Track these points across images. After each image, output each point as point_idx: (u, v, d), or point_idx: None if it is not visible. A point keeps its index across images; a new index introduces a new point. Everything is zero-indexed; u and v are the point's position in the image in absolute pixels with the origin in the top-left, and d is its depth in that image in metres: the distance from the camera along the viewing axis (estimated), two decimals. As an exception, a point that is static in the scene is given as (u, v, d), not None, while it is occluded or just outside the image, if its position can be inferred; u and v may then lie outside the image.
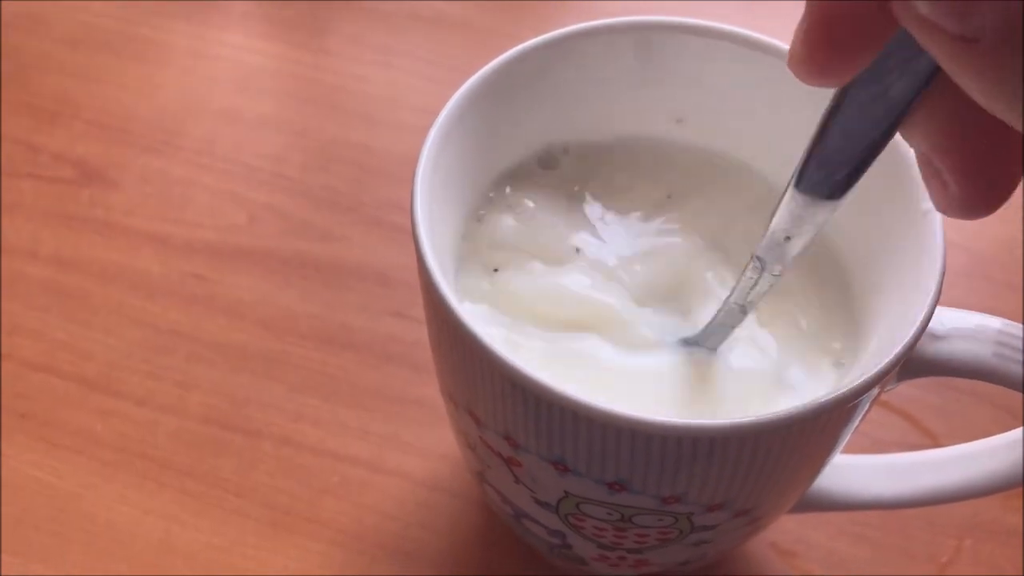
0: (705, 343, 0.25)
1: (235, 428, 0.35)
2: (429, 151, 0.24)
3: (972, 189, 0.17)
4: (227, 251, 0.40)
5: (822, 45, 0.16)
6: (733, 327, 0.25)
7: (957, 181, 0.17)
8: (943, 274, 0.22)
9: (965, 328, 0.23)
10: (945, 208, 0.17)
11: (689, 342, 0.25)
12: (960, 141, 0.17)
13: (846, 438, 0.24)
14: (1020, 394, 0.23)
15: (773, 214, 0.21)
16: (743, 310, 0.24)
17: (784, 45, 0.25)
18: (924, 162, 0.17)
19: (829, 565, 0.32)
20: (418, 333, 0.37)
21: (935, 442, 0.35)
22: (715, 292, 0.26)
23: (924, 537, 0.33)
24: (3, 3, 0.49)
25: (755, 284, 0.23)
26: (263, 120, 0.45)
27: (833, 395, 0.21)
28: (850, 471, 0.29)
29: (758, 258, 0.22)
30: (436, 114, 0.25)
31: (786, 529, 0.33)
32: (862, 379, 0.21)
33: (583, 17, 0.27)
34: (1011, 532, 0.33)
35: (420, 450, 0.35)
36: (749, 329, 0.26)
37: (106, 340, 0.37)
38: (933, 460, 0.28)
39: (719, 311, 0.24)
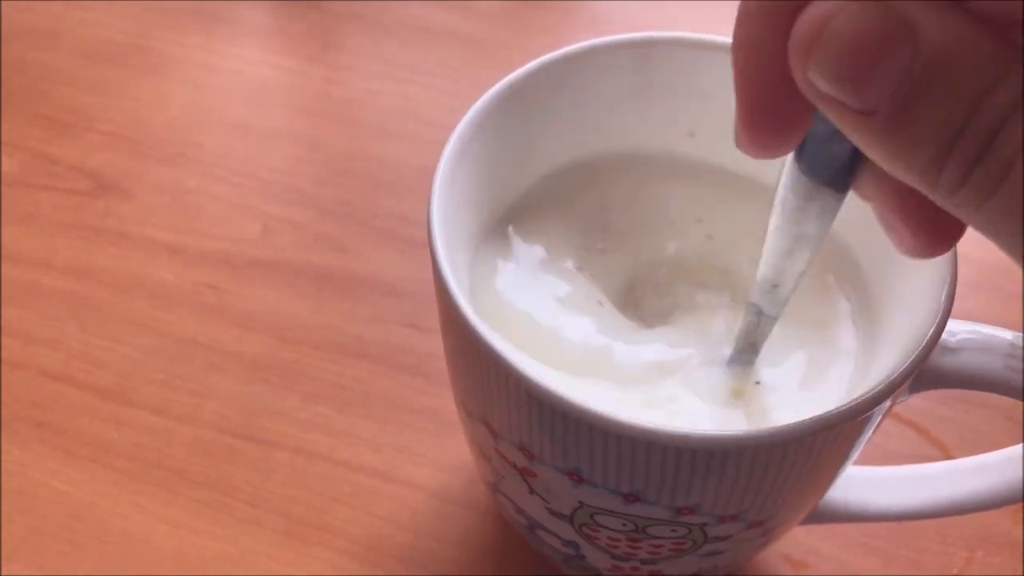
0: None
1: (249, 438, 0.35)
2: (445, 163, 0.25)
3: (923, 238, 0.18)
4: (241, 262, 0.40)
5: (754, 133, 0.18)
6: (753, 356, 0.25)
7: (909, 232, 0.18)
8: (954, 287, 0.23)
9: (976, 340, 0.23)
10: (905, 253, 0.19)
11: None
12: (902, 199, 0.18)
13: (858, 449, 0.24)
14: (1031, 406, 0.24)
15: (760, 261, 0.22)
16: (754, 349, 0.25)
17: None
18: (879, 215, 0.19)
19: (840, 576, 0.32)
20: (430, 344, 0.38)
21: (946, 454, 0.35)
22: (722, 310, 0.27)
23: (935, 549, 0.33)
24: (18, 18, 0.49)
25: (757, 326, 0.24)
26: (275, 133, 0.45)
27: (844, 407, 0.21)
28: (862, 483, 0.29)
29: (754, 304, 0.23)
30: (448, 127, 0.25)
31: (797, 540, 0.33)
32: (873, 392, 0.21)
33: (591, 30, 0.28)
34: (1023, 544, 0.33)
35: (432, 460, 0.35)
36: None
37: (121, 350, 0.38)
38: (944, 472, 0.28)
39: (733, 351, 0.25)
